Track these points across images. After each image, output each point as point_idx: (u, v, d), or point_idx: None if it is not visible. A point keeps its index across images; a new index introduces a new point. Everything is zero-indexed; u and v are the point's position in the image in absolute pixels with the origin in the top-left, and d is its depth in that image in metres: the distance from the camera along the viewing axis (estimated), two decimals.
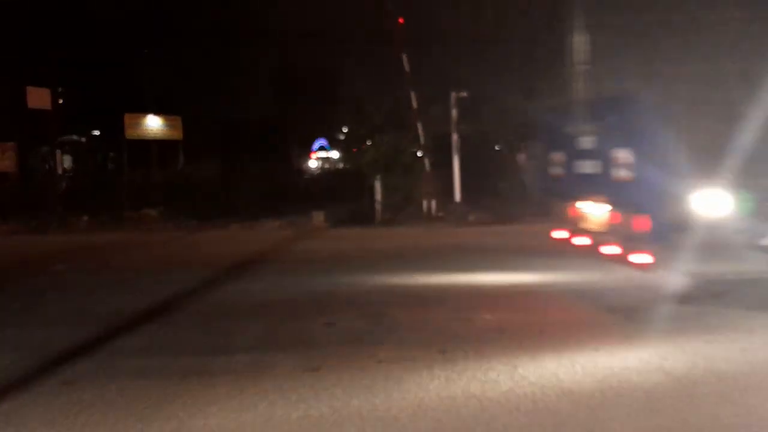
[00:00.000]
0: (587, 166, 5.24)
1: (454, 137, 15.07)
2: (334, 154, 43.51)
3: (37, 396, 3.58)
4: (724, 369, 3.81)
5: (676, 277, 5.83)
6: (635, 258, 4.73)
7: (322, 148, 50.01)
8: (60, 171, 17.52)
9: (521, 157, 18.43)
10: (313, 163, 47.31)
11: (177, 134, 23.92)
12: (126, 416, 3.25)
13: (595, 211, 5.36)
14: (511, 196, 17.47)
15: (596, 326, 4.91)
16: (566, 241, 5.84)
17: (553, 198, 6.23)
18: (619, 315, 5.20)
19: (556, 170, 5.88)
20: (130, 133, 22.22)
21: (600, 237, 5.24)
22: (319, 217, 14.81)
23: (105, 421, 3.19)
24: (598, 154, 5.06)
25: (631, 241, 4.73)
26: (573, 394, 3.45)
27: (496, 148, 19.42)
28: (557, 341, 4.46)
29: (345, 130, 20.54)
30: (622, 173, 4.71)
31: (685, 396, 3.41)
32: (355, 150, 16.68)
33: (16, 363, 4.16)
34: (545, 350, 4.24)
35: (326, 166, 45.10)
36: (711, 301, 5.49)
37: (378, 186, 14.90)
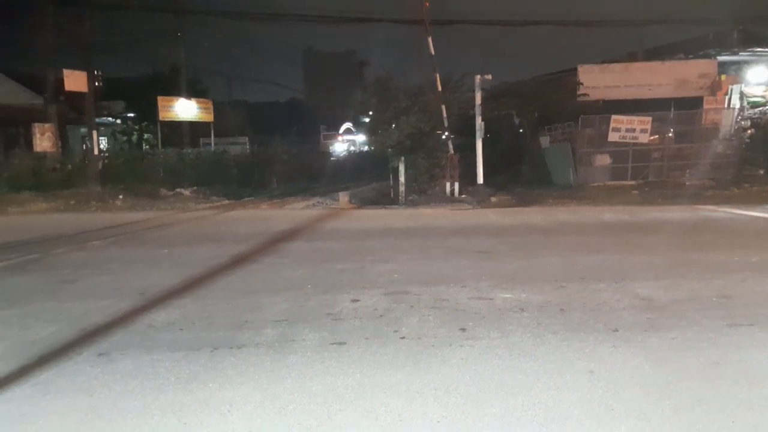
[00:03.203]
0: None
1: (478, 120, 14.97)
2: (360, 137, 43.44)
3: (75, 366, 3.70)
4: None
5: None
6: None
7: (348, 131, 49.98)
8: (97, 151, 17.91)
9: (544, 140, 18.24)
10: (339, 146, 47.36)
11: (208, 116, 24.25)
12: (160, 386, 3.36)
13: None
14: (534, 178, 17.35)
15: (616, 311, 4.88)
16: None
17: None
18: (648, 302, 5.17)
19: None
20: (164, 115, 22.60)
21: None
22: (345, 197, 14.96)
23: (141, 391, 3.31)
24: None
25: None
26: (593, 374, 3.48)
27: (520, 131, 19.25)
28: (577, 321, 4.49)
29: (371, 113, 20.50)
30: None
31: None
32: (379, 132, 16.68)
33: (55, 335, 4.31)
34: (565, 330, 4.28)
35: (352, 148, 45.14)
36: None
37: (402, 168, 14.93)
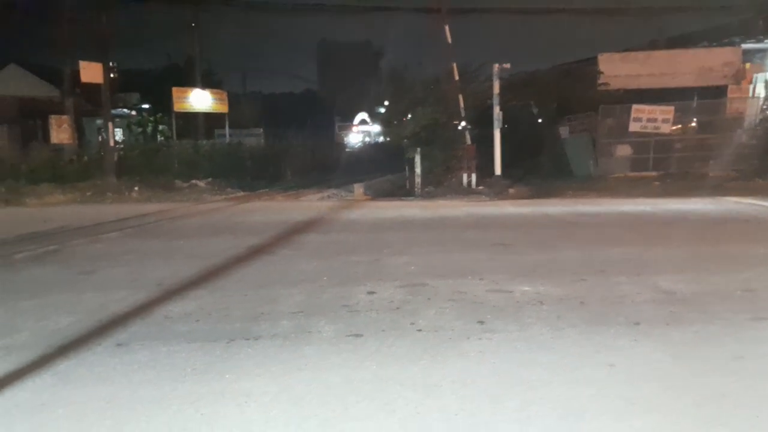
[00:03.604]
0: None
1: (496, 109, 14.82)
2: (375, 128, 43.42)
3: (94, 356, 3.72)
4: None
5: None
6: None
7: (363, 122, 49.96)
8: (112, 143, 18.07)
9: (563, 130, 18.01)
10: (354, 137, 47.36)
11: (223, 107, 24.32)
12: (177, 377, 3.37)
13: None
14: (553, 170, 17.16)
15: (637, 304, 4.80)
16: None
17: None
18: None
19: None
20: (179, 106, 22.70)
21: None
22: (359, 189, 14.95)
23: (158, 381, 3.32)
24: None
25: None
26: (613, 367, 3.42)
27: (539, 121, 19.04)
28: (597, 314, 4.42)
29: (386, 103, 20.43)
30: None
31: None
32: (395, 123, 16.62)
33: (74, 325, 4.34)
34: (585, 323, 4.22)
35: (367, 139, 45.12)
36: None
37: (418, 159, 14.87)
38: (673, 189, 14.19)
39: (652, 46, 20.89)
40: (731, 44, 19.42)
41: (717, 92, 17.89)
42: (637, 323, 4.19)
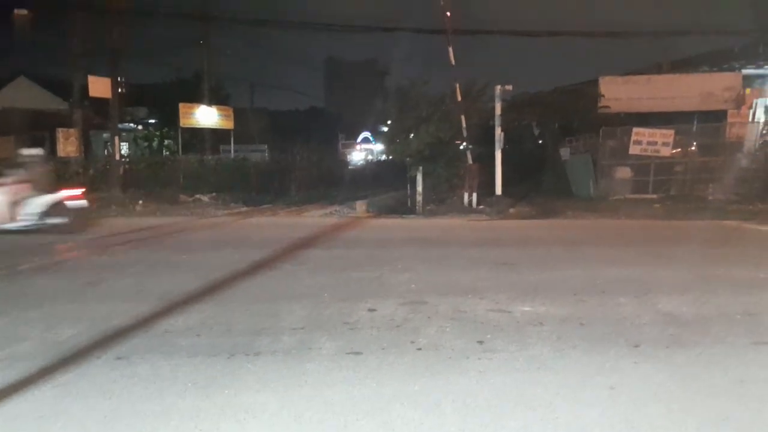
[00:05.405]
0: None
1: (498, 130, 14.91)
2: (378, 146, 43.63)
3: (95, 369, 3.73)
4: None
5: None
6: None
7: (366, 140, 50.21)
8: (118, 156, 18.16)
9: (564, 151, 18.09)
10: (357, 155, 47.57)
11: (229, 124, 24.46)
12: (178, 391, 3.38)
13: None
14: (553, 190, 17.20)
15: (638, 326, 4.80)
16: None
17: None
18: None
19: None
20: (185, 122, 22.82)
21: None
22: (362, 206, 15.01)
23: (159, 395, 3.32)
24: None
25: None
26: (614, 389, 3.42)
27: (540, 142, 19.14)
28: (597, 336, 4.42)
29: (389, 122, 20.53)
30: None
31: None
32: (398, 141, 16.68)
33: (77, 337, 4.36)
34: (585, 344, 4.22)
35: (369, 157, 45.32)
36: None
37: (420, 177, 14.92)
38: (673, 211, 14.19)
39: (657, 68, 21.03)
40: (731, 69, 19.57)
41: (717, 117, 17.99)
42: (638, 345, 4.19)
